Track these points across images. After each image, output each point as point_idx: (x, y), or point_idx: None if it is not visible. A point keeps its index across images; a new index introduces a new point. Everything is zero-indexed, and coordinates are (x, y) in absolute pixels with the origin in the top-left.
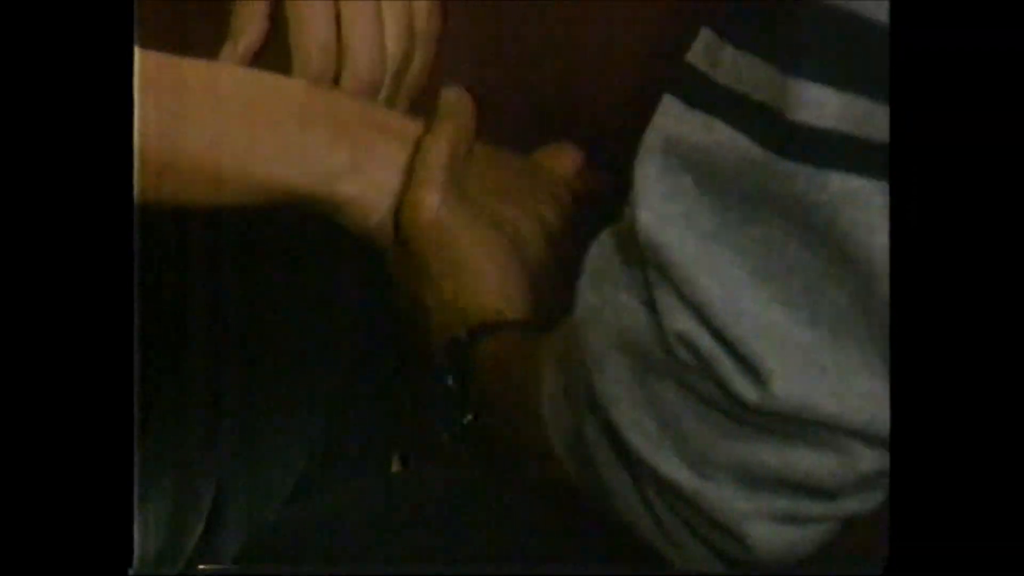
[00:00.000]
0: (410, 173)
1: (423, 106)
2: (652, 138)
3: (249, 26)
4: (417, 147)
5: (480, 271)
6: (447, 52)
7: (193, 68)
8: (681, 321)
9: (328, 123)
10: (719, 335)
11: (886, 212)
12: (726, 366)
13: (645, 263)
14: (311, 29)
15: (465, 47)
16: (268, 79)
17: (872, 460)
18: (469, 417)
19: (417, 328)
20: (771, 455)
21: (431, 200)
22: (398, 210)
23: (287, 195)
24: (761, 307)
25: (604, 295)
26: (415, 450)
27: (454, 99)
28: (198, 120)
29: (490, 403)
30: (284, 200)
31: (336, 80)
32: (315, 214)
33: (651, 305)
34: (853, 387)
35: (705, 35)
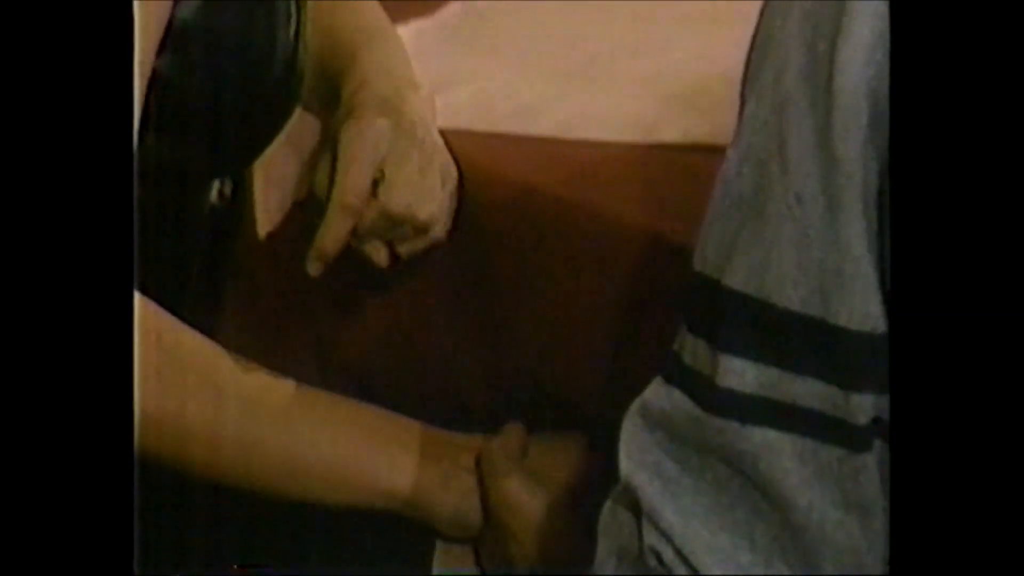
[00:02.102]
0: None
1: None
2: (634, 405)
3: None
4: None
5: (550, 532)
6: (461, 349)
7: (193, 345)
8: (653, 537)
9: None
10: (678, 551)
11: (796, 458)
12: (681, 574)
13: None
14: (358, 177)
15: (476, 359)
16: (267, 383)
17: None
18: None
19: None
20: None
21: (513, 485)
22: (485, 495)
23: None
24: (711, 533)
25: (616, 515)
26: None
27: (515, 428)
28: (199, 410)
29: None
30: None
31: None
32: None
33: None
34: None
35: (681, 327)
